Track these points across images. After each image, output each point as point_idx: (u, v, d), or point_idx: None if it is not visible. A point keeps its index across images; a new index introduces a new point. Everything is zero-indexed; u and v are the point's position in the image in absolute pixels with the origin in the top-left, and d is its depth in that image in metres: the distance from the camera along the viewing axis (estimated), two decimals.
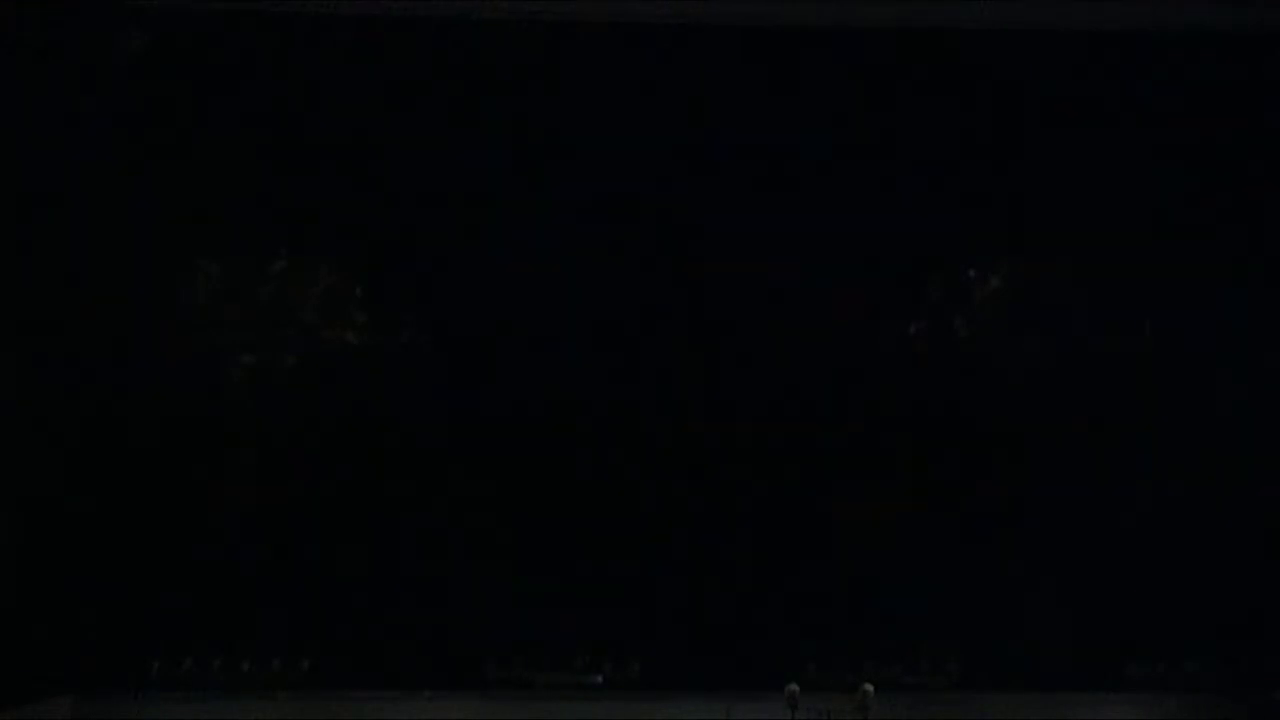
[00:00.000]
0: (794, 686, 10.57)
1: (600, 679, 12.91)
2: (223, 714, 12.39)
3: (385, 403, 13.17)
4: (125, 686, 12.52)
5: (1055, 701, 12.58)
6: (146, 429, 12.90)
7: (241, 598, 12.78)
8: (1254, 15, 13.14)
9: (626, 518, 13.12)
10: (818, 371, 13.27)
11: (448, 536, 13.03)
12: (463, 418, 13.15)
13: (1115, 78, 13.34)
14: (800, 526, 13.09)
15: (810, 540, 13.06)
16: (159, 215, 13.04)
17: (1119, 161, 13.34)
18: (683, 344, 13.30)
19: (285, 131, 13.12)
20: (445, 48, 13.19)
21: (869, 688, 10.59)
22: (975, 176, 13.37)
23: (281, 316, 13.25)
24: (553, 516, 13.09)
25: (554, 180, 13.27)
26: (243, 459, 13.02)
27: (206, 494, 12.92)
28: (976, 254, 13.53)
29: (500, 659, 12.94)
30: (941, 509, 13.16)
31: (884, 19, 13.12)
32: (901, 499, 13.19)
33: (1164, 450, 13.11)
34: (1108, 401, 13.28)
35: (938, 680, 12.90)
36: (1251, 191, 13.33)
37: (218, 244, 13.21)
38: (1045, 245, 13.48)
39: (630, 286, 13.34)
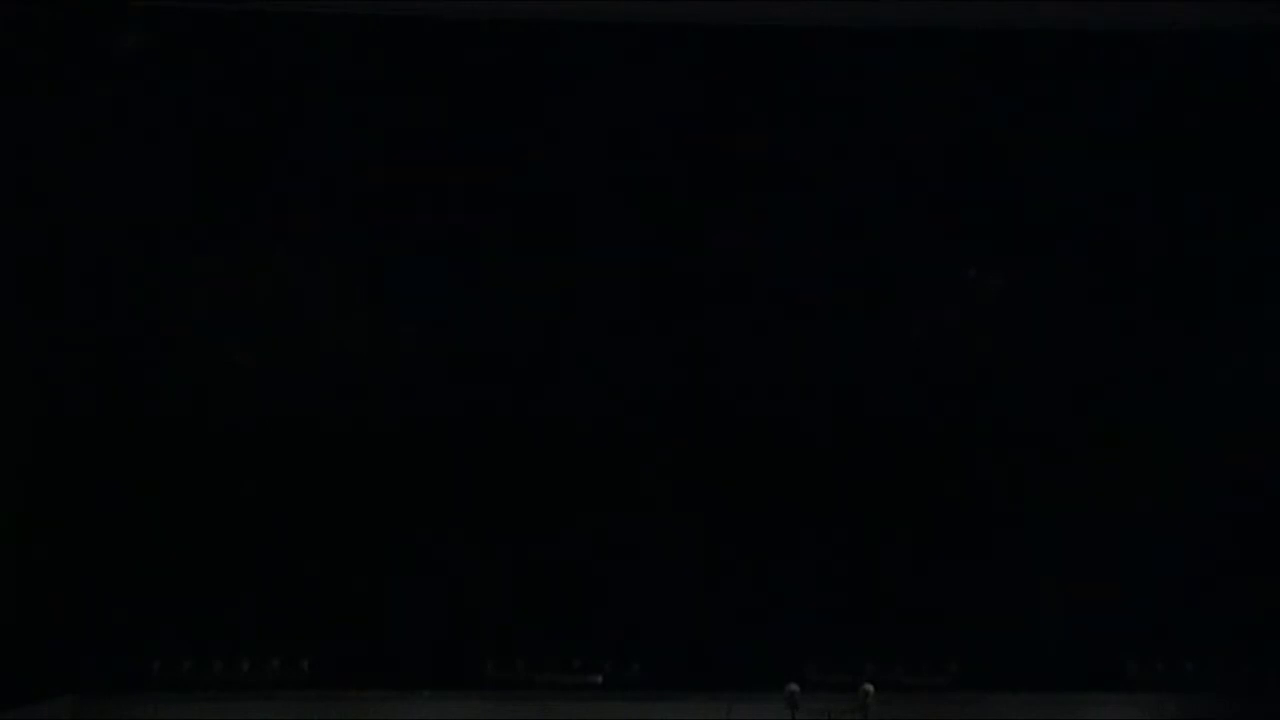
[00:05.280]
0: (794, 686, 10.57)
1: (600, 679, 12.92)
2: (223, 714, 12.39)
3: (385, 403, 13.16)
4: (125, 686, 12.52)
5: (1055, 701, 12.58)
6: (146, 429, 12.90)
7: (241, 598, 12.78)
8: (1254, 15, 13.14)
9: (626, 518, 13.12)
10: (818, 373, 13.26)
11: (448, 536, 13.03)
12: (462, 418, 13.15)
13: (1114, 77, 13.34)
14: (799, 527, 13.09)
15: (810, 540, 13.05)
16: (159, 216, 13.04)
17: (1118, 161, 13.35)
18: (683, 346, 13.30)
19: (285, 131, 13.13)
20: (445, 48, 13.19)
21: (869, 688, 10.60)
22: (975, 177, 13.39)
23: (281, 316, 13.24)
24: (552, 517, 13.09)
25: (553, 179, 13.28)
26: (242, 459, 13.00)
27: (206, 494, 12.90)
28: (976, 254, 13.54)
29: (500, 659, 12.95)
30: (942, 510, 13.17)
31: (883, 20, 13.13)
32: (901, 499, 13.20)
33: (1164, 450, 13.11)
34: (1108, 402, 13.28)
35: (938, 680, 12.90)
36: (1251, 192, 13.33)
37: (217, 244, 13.20)
38: (1044, 246, 13.47)
39: (630, 287, 13.35)
